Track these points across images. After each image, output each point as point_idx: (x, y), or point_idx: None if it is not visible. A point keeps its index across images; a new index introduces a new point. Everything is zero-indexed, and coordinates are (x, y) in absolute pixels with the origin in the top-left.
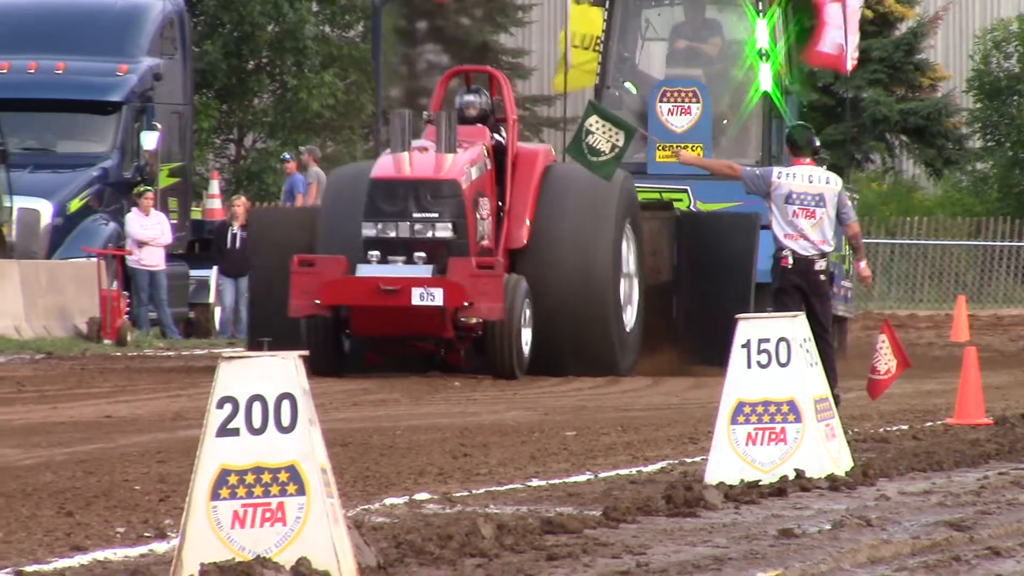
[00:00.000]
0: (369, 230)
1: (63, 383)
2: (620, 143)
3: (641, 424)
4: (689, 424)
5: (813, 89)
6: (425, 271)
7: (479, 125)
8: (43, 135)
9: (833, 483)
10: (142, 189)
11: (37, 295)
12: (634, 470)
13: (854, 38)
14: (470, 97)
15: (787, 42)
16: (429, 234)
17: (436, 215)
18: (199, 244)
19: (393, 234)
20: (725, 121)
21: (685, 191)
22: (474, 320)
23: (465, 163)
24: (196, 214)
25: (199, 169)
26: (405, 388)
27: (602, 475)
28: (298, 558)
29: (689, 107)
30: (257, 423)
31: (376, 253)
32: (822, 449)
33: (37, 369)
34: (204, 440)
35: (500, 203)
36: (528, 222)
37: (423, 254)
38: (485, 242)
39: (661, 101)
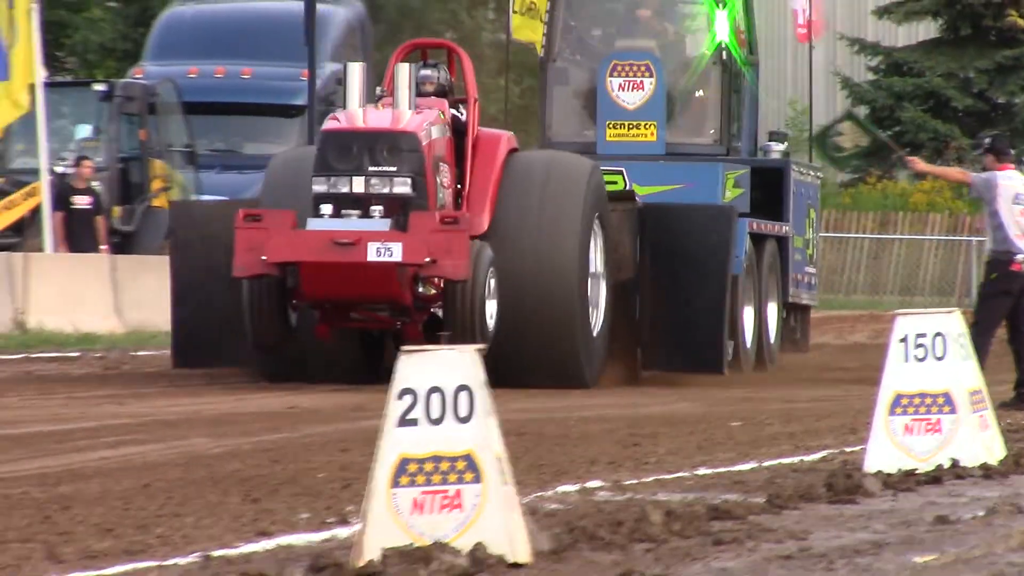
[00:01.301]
0: (320, 185)
1: (249, 376)
2: (861, 143)
3: (803, 415)
4: (849, 415)
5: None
6: (383, 224)
7: (437, 97)
8: (230, 137)
9: (986, 471)
10: None
11: None
12: (796, 459)
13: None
14: (426, 72)
15: (746, 10)
16: (386, 189)
17: (394, 169)
18: None
19: (346, 189)
20: (679, 97)
21: (620, 172)
22: (433, 291)
23: (425, 120)
24: None
25: None
26: None
27: (766, 464)
28: (475, 543)
29: (641, 82)
30: (436, 414)
31: (329, 207)
32: (976, 439)
33: None
34: (384, 430)
35: (459, 186)
36: (489, 210)
37: (380, 207)
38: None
39: (611, 76)
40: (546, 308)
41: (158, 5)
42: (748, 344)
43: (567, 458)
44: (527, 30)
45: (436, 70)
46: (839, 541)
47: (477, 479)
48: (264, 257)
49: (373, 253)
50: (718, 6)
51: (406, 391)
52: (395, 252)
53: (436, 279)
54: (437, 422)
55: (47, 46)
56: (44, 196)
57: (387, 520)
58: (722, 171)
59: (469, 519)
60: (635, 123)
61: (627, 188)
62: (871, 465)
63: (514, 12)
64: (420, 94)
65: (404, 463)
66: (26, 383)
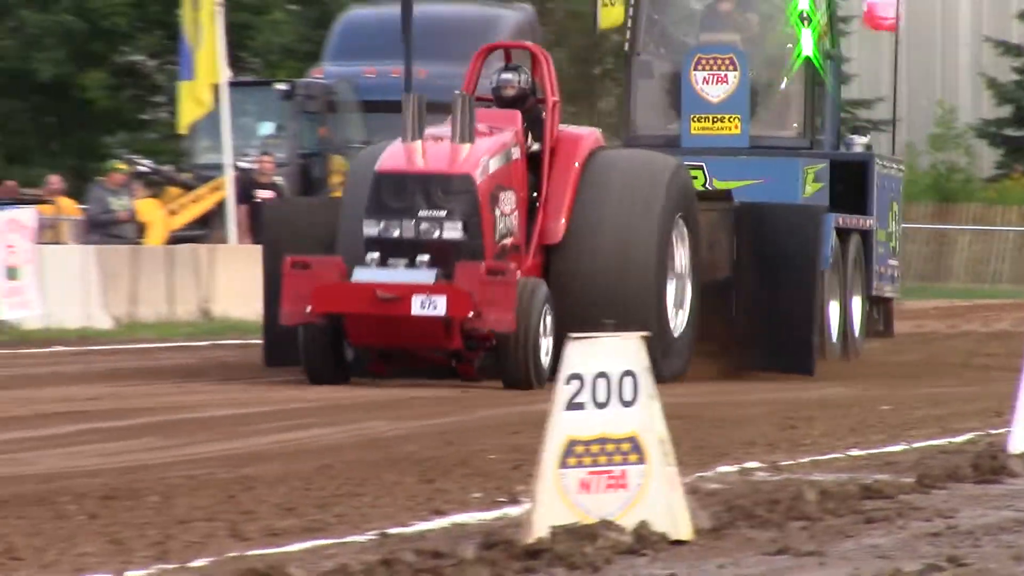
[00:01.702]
0: (371, 228)
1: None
2: None
3: (951, 399)
4: (995, 399)
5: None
6: (428, 276)
7: (513, 109)
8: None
9: None
10: None
11: None
12: (944, 441)
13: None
14: (507, 75)
15: (828, 5)
16: (436, 234)
17: (443, 213)
18: None
19: (397, 233)
20: (763, 91)
21: (700, 168)
22: (499, 331)
23: (483, 154)
24: None
25: None
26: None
27: (915, 445)
28: (638, 521)
29: (726, 75)
30: (602, 398)
31: (376, 255)
32: None
33: None
34: (553, 413)
35: (535, 193)
36: (566, 215)
37: (426, 257)
38: (509, 240)
39: (695, 69)
40: (622, 309)
41: (337, 8)
42: (834, 338)
43: (726, 440)
44: (612, 18)
45: (517, 73)
46: (984, 519)
47: (641, 460)
48: (309, 309)
49: (417, 307)
50: (803, 24)
51: (574, 376)
52: (439, 306)
53: None
54: (603, 406)
55: (231, 47)
56: (228, 190)
57: (555, 499)
58: (801, 166)
59: (633, 498)
60: (719, 116)
61: (708, 185)
62: (1015, 447)
63: (602, 4)
64: (500, 98)
65: (572, 445)
66: (211, 369)
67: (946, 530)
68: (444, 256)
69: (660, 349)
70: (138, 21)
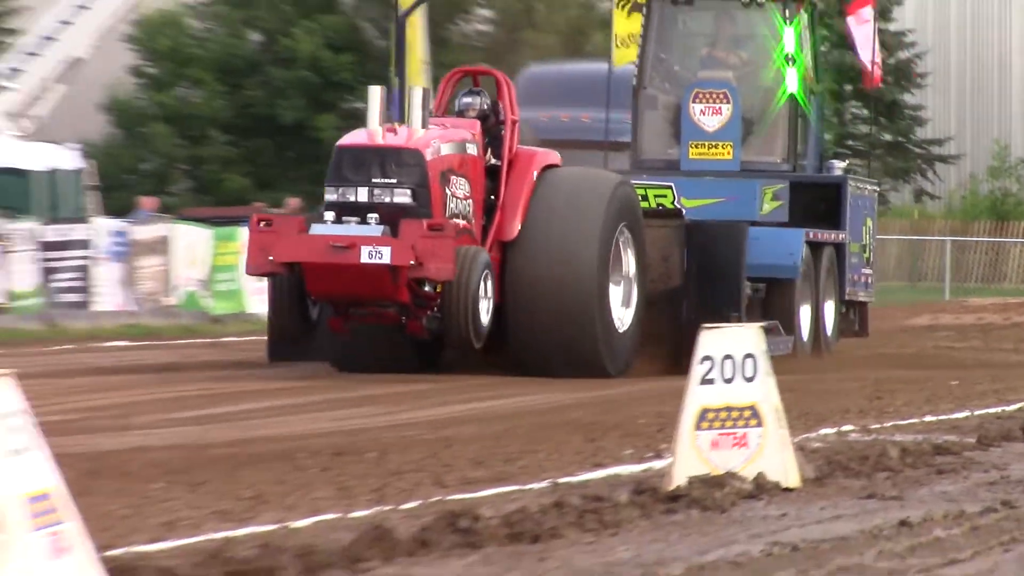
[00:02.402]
0: (331, 194)
1: None
2: None
3: (1008, 376)
4: None
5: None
6: (376, 230)
7: (474, 120)
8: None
9: None
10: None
11: None
12: (999, 408)
13: (872, 52)
14: (468, 99)
15: (812, 47)
16: (387, 199)
17: (395, 181)
18: None
19: (352, 198)
20: (753, 121)
21: (669, 187)
22: (433, 288)
23: (435, 138)
24: None
25: None
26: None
27: (976, 412)
28: (757, 472)
29: (720, 107)
30: (728, 375)
31: (332, 215)
32: None
33: None
34: (689, 388)
35: (493, 197)
36: (520, 217)
37: (376, 216)
38: (461, 222)
39: (694, 102)
40: (566, 306)
41: (520, 63)
42: (805, 338)
43: (826, 408)
44: (625, 57)
45: (479, 96)
46: None
47: (759, 424)
48: (271, 257)
49: (365, 256)
50: (788, 64)
51: (706, 358)
52: (384, 255)
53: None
54: (729, 381)
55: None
56: None
57: (691, 455)
58: (760, 187)
59: (753, 454)
60: (714, 143)
61: (676, 204)
62: None
63: (616, 47)
64: (464, 117)
65: (704, 412)
66: None
67: (1000, 480)
68: (394, 219)
69: (605, 343)
70: (360, 76)
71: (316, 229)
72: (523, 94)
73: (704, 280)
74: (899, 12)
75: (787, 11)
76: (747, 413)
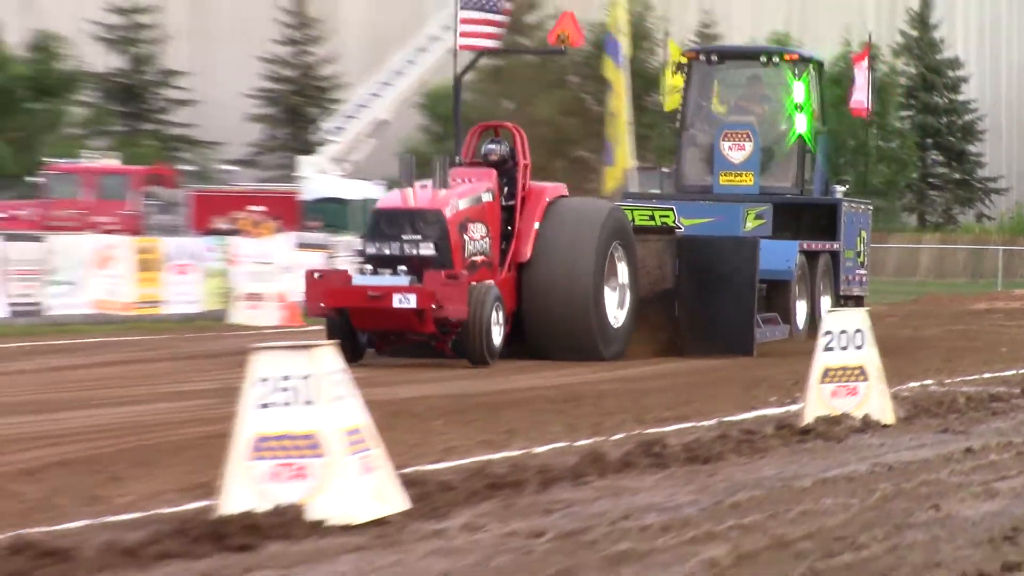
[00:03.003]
0: (369, 248)
1: None
2: None
3: None
4: None
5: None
6: (404, 280)
7: (489, 168)
8: None
9: None
10: None
11: None
12: None
13: (867, 92)
14: (491, 146)
15: (819, 97)
16: (414, 252)
17: (420, 237)
18: None
19: (388, 252)
20: (771, 155)
21: (671, 209)
22: (454, 319)
23: (453, 196)
24: None
25: None
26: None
27: (1021, 371)
28: (864, 414)
29: (744, 144)
30: (844, 344)
31: (370, 267)
32: None
33: None
34: (816, 353)
35: (509, 227)
36: (532, 242)
37: (405, 268)
38: (480, 258)
39: (723, 140)
40: (568, 307)
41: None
42: (800, 327)
43: (913, 368)
44: (673, 103)
45: (499, 144)
46: None
47: (866, 379)
48: (322, 304)
49: (396, 302)
50: (798, 110)
51: (827, 332)
52: (411, 301)
53: None
54: (844, 349)
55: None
56: None
57: (818, 400)
58: (743, 209)
59: (861, 401)
60: (739, 173)
61: (676, 222)
62: None
63: (662, 95)
64: (488, 161)
65: (827, 371)
66: None
67: None
68: (420, 267)
69: (600, 335)
70: (584, 134)
71: (357, 280)
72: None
73: (705, 283)
74: (965, 87)
75: (796, 69)
76: (857, 371)
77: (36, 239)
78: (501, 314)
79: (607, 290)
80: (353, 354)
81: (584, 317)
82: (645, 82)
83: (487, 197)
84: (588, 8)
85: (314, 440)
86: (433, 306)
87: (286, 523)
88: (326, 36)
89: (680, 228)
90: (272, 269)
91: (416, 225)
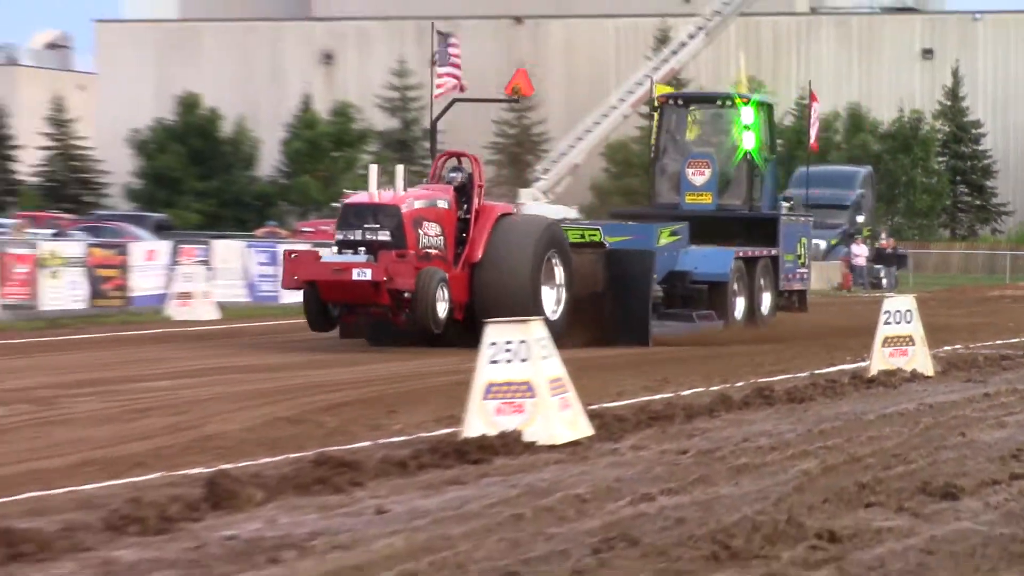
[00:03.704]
0: (338, 235)
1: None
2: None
3: None
4: None
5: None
6: (362, 258)
7: (447, 186)
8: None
9: None
10: None
11: None
12: None
13: (816, 128)
14: (452, 173)
15: (769, 131)
16: (372, 237)
17: (378, 226)
18: None
19: (352, 237)
20: (726, 179)
21: (598, 229)
22: (407, 294)
23: (410, 197)
24: None
25: None
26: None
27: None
28: (912, 368)
29: (704, 170)
30: (898, 320)
31: (336, 248)
32: None
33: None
34: (879, 326)
35: (465, 235)
36: (482, 247)
37: (363, 249)
38: (434, 251)
39: (688, 167)
40: (510, 302)
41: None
42: (739, 317)
43: (947, 336)
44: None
45: (459, 171)
46: None
47: (914, 344)
48: (296, 277)
49: (355, 275)
50: (746, 129)
51: (886, 311)
52: (367, 274)
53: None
54: (898, 323)
55: None
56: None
57: (880, 359)
58: (656, 228)
59: (910, 360)
60: (700, 193)
61: (603, 239)
62: None
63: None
64: (450, 183)
65: (886, 339)
66: None
67: None
68: (378, 250)
69: None
70: None
71: (325, 258)
72: (795, 182)
73: (619, 285)
74: (984, 140)
75: (745, 98)
76: (908, 339)
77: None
78: (446, 292)
79: (545, 289)
80: (326, 321)
81: (522, 310)
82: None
83: (443, 204)
84: (720, 80)
85: (528, 386)
86: (385, 278)
87: (508, 444)
88: (537, 105)
89: (606, 244)
90: None
91: (377, 217)
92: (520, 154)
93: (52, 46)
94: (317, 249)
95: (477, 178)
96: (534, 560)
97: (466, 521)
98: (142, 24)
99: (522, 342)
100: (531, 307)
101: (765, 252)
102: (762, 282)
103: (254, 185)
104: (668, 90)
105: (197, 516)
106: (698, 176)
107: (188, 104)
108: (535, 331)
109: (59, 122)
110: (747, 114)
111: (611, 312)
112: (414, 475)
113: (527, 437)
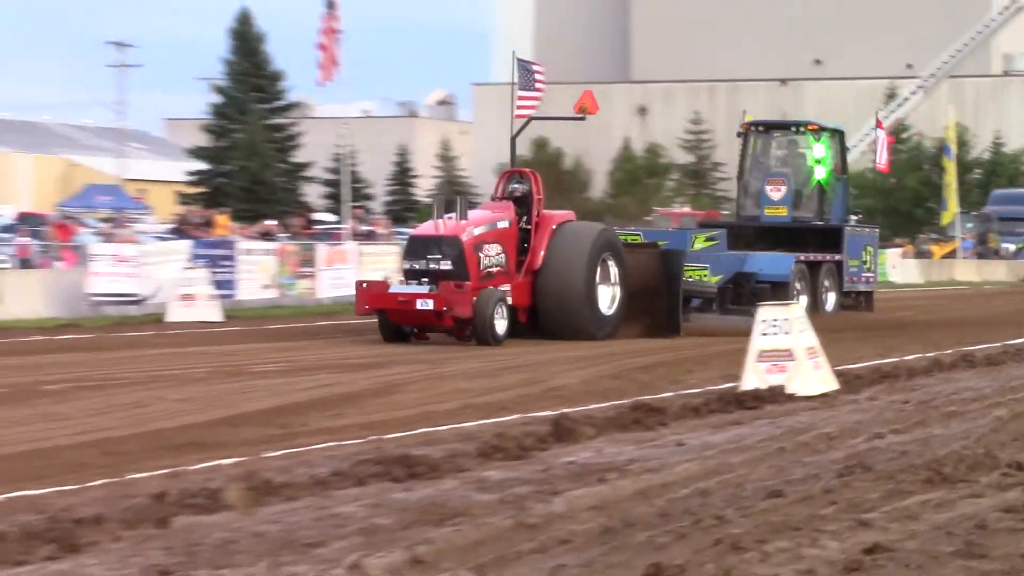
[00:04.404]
0: (405, 264)
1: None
2: None
3: None
4: None
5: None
6: (424, 289)
7: (509, 202)
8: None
9: None
10: None
11: None
12: None
13: (887, 151)
14: (515, 185)
15: (840, 155)
16: (436, 267)
17: (440, 256)
18: None
19: (418, 267)
20: (800, 195)
21: (639, 234)
22: (461, 317)
23: (469, 225)
24: None
25: None
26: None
27: None
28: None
29: (781, 188)
30: None
31: (402, 277)
32: None
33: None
34: None
35: (526, 245)
36: (542, 254)
37: (426, 279)
38: (495, 269)
39: (767, 185)
40: (567, 300)
41: None
42: None
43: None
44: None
45: (521, 183)
46: None
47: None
48: (367, 306)
49: (418, 305)
50: (818, 163)
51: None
52: (429, 304)
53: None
54: None
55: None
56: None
57: None
58: (691, 235)
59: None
60: (778, 207)
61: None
62: None
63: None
64: (512, 197)
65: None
66: None
67: None
68: (440, 280)
69: (593, 321)
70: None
71: (392, 289)
72: (993, 200)
73: (663, 283)
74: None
75: (816, 135)
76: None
77: None
78: (504, 310)
79: (602, 287)
80: (399, 336)
81: (579, 308)
82: (962, 167)
83: (503, 224)
84: (935, 126)
85: (790, 352)
86: (444, 308)
87: (774, 395)
88: None
89: (659, 244)
90: None
91: (439, 248)
92: None
93: (441, 103)
94: (387, 279)
95: (535, 191)
96: (794, 481)
97: (743, 452)
98: (505, 86)
99: (785, 320)
100: (585, 305)
101: (828, 257)
102: (827, 283)
103: (587, 204)
104: (750, 119)
105: (545, 447)
106: (775, 192)
107: (539, 144)
108: (795, 312)
109: (446, 159)
110: (819, 149)
111: (655, 304)
112: (704, 417)
113: (788, 390)
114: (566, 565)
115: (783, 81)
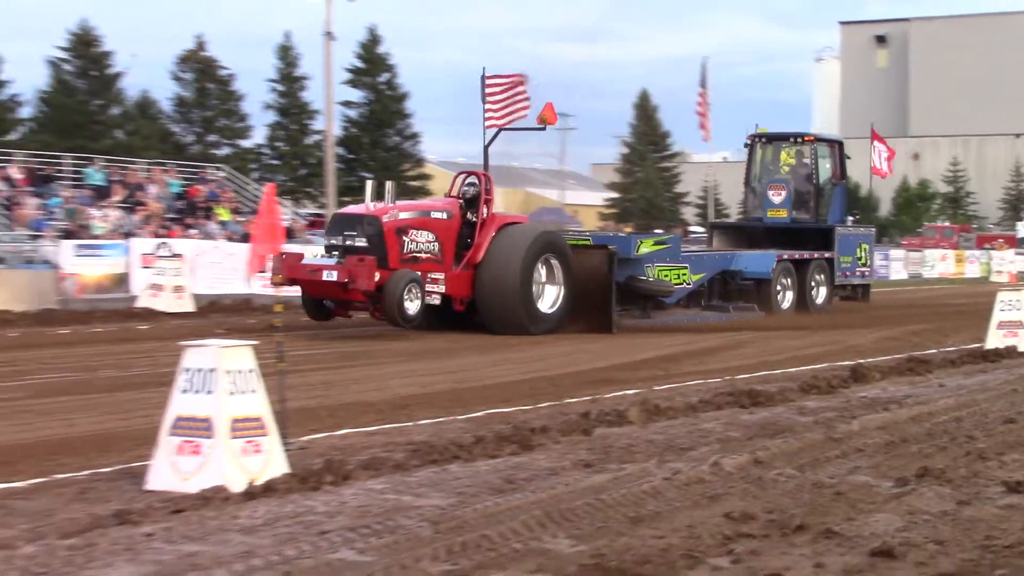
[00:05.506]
0: (326, 240)
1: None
2: None
3: None
4: None
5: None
6: (331, 262)
7: (455, 199)
8: None
9: None
10: None
11: None
12: None
13: (886, 161)
14: (465, 187)
15: (839, 162)
16: (350, 243)
17: (356, 234)
18: None
19: (335, 242)
20: (800, 199)
21: (588, 238)
22: (364, 290)
23: (395, 209)
24: None
25: None
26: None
27: None
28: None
29: (782, 192)
30: None
31: (320, 251)
32: None
33: None
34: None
35: (470, 240)
36: (484, 250)
37: (336, 254)
38: (424, 255)
39: (769, 189)
40: (503, 297)
41: None
42: (785, 307)
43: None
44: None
45: (473, 185)
46: None
47: None
48: (281, 275)
49: (324, 276)
50: (815, 170)
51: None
52: (333, 275)
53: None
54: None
55: None
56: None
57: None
58: (636, 239)
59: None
60: (779, 209)
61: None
62: None
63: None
64: (464, 196)
65: (1000, 323)
66: None
67: None
68: (358, 255)
69: (527, 315)
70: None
71: (305, 260)
72: None
73: (596, 283)
74: None
75: (814, 145)
76: None
77: None
78: (417, 292)
79: (548, 286)
80: (321, 312)
81: (513, 302)
82: None
83: (438, 215)
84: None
85: (1020, 323)
86: (347, 280)
87: (1010, 352)
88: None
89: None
90: None
91: (359, 226)
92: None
93: None
94: (301, 252)
95: (484, 192)
96: None
97: (986, 391)
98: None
99: (1018, 300)
100: (520, 300)
101: (817, 255)
102: (818, 278)
103: (877, 219)
104: (763, 131)
105: (845, 386)
106: (776, 196)
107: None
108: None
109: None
110: (817, 158)
111: (596, 303)
112: (959, 367)
113: (1020, 349)
114: (860, 467)
115: (1017, 135)
